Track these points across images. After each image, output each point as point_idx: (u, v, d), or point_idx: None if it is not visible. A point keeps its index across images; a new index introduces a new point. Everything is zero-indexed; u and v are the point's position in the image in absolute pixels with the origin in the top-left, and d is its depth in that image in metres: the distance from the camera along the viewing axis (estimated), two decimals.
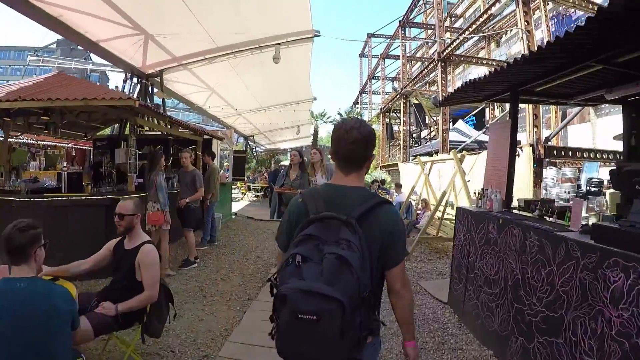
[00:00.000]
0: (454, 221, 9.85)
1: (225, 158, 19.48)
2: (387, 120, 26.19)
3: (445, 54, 13.58)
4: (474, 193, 5.84)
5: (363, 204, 1.65)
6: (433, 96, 14.85)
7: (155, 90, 11.27)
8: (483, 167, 10.52)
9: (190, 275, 6.66)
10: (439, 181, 12.94)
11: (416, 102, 20.21)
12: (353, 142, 1.71)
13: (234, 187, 19.33)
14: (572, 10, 15.31)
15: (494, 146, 6.08)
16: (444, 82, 13.77)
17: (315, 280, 1.40)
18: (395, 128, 30.03)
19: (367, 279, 1.50)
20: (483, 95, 6.51)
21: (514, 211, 5.19)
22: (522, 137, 15.04)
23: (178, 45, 9.81)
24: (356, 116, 35.53)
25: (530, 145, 8.41)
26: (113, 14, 7.79)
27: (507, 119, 5.78)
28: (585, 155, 8.76)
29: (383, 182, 15.85)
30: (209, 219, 8.98)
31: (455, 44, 13.20)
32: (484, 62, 15.10)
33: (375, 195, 1.79)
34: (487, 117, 21.18)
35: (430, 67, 15.73)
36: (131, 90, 10.67)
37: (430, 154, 15.53)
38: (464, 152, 8.58)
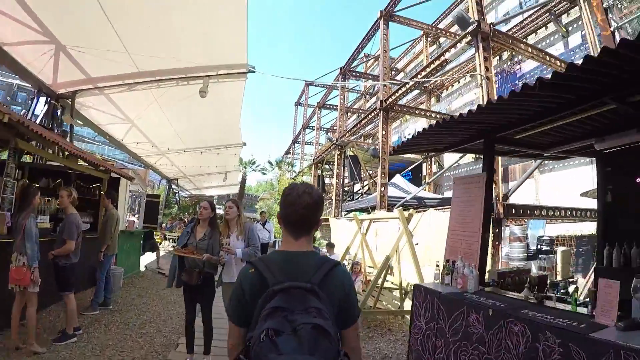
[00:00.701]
0: (395, 290, 8.97)
1: (137, 201, 17.50)
2: (319, 172, 25.35)
3: (388, 102, 13.01)
4: (437, 266, 4.72)
5: (320, 270, 1.65)
6: (372, 147, 14.18)
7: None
8: (428, 228, 9.88)
9: (64, 355, 4.87)
10: (375, 240, 11.93)
11: (352, 154, 19.49)
12: (305, 207, 1.74)
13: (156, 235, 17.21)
14: (518, 67, 15.54)
15: (460, 206, 5.08)
16: (385, 132, 13.10)
17: (298, 353, 1.34)
18: (327, 181, 29.42)
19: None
20: (447, 143, 5.59)
21: (487, 289, 4.16)
22: None
23: (94, 63, 8.30)
24: (287, 166, 34.91)
25: None
26: (17, 9, 6.18)
27: (483, 172, 4.86)
28: (551, 213, 8.14)
29: (313, 239, 14.64)
30: (102, 276, 7.19)
31: (399, 93, 12.66)
32: (427, 114, 14.73)
33: (327, 259, 1.81)
34: (425, 173, 20.96)
35: (370, 116, 15.15)
36: (34, 111, 9.00)
37: (366, 210, 14.61)
38: (411, 210, 7.58)
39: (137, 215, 14.96)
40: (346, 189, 23.35)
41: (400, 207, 7.62)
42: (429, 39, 22.60)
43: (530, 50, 10.23)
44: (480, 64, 8.63)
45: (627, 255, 4.06)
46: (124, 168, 14.12)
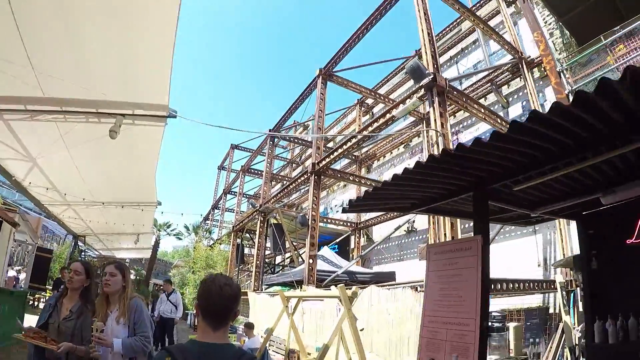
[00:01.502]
0: None
1: (24, 255, 14.52)
2: (238, 240, 23.15)
3: (321, 166, 11.77)
4: None
5: None
6: (301, 214, 12.71)
7: None
8: (368, 307, 8.32)
9: None
10: (302, 320, 10.11)
11: (276, 222, 17.74)
12: (227, 299, 1.79)
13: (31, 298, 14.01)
14: (455, 138, 15.14)
15: (440, 283, 3.65)
16: (315, 198, 11.73)
17: None
18: (247, 251, 27.23)
19: None
20: (417, 199, 4.20)
21: None
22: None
23: None
24: (204, 232, 32.23)
25: None
26: None
27: (474, 234, 3.50)
28: (522, 286, 7.09)
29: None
30: None
31: (333, 156, 11.51)
32: (362, 181, 13.64)
33: (244, 352, 1.87)
34: (353, 246, 19.65)
35: (299, 181, 13.81)
36: None
37: (290, 285, 12.78)
38: (354, 287, 6.02)
39: (22, 271, 13.14)
40: (267, 260, 21.29)
41: (342, 285, 6.02)
42: (362, 108, 22.42)
43: (482, 111, 9.61)
44: (436, 119, 7.71)
45: (625, 329, 3.73)
46: (7, 210, 11.48)
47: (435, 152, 7.37)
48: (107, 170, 10.53)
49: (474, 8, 15.36)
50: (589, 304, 4.37)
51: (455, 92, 8.64)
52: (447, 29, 17.04)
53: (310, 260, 11.00)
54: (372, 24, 12.61)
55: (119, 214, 13.39)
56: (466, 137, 15.87)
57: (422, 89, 8.16)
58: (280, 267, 22.02)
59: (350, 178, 13.47)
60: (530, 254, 11.66)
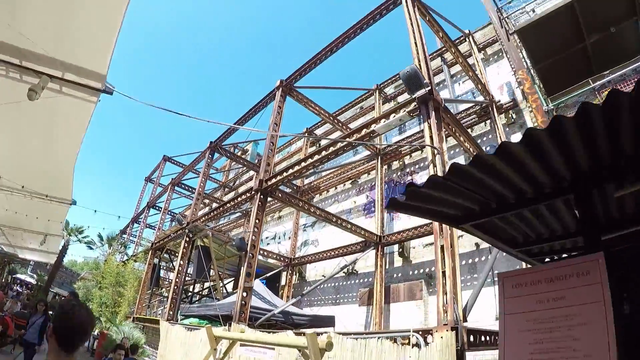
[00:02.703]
0: None
1: None
2: (155, 260, 20.52)
3: (269, 184, 10.19)
4: None
5: None
6: (239, 237, 10.86)
7: None
8: None
9: None
10: None
11: (203, 244, 15.60)
12: (87, 325, 1.93)
13: None
14: (409, 178, 14.18)
15: (535, 333, 2.26)
16: (258, 220, 10.08)
17: None
18: (163, 274, 24.53)
19: None
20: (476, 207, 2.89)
21: None
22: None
23: None
24: (120, 246, 28.90)
25: (452, 329, 5.15)
26: None
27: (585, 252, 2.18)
28: None
29: (135, 347, 9.97)
30: None
31: (288, 173, 9.97)
32: (311, 209, 12.13)
33: None
34: (283, 282, 17.89)
35: (240, 199, 12.10)
36: None
37: (214, 320, 10.80)
38: (328, 333, 4.48)
39: None
40: (185, 287, 18.85)
41: (313, 332, 4.44)
42: (309, 140, 21.31)
43: (466, 144, 8.62)
44: (433, 135, 6.49)
45: None
46: None
47: (434, 171, 6.17)
48: (18, 147, 8.44)
49: (443, 49, 14.93)
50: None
51: (448, 115, 7.57)
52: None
53: (244, 294, 9.18)
54: (338, 47, 11.58)
55: (26, 204, 10.99)
56: (422, 177, 15.03)
57: (414, 102, 6.97)
58: (198, 297, 19.67)
59: (300, 204, 11.87)
60: None
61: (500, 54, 14.06)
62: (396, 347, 5.33)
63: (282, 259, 18.17)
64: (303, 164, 9.67)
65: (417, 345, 5.30)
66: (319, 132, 21.24)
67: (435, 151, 6.33)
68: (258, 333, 6.27)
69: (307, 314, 11.92)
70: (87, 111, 6.91)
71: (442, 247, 6.04)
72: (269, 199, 10.95)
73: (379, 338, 5.53)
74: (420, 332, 5.48)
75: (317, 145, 20.94)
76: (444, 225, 6.01)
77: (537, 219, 3.42)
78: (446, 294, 5.63)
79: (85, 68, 5.75)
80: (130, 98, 7.63)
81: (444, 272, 5.83)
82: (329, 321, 11.96)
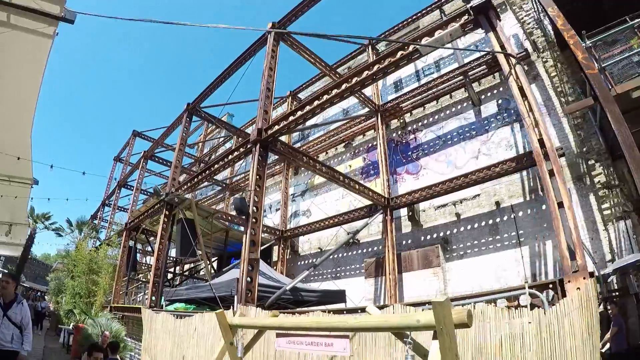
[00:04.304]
0: None
1: None
2: (131, 242, 18.49)
3: (269, 134, 8.58)
4: None
5: None
6: (239, 198, 8.90)
7: None
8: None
9: None
10: None
11: (186, 216, 13.62)
12: None
13: None
14: (412, 137, 12.72)
15: None
16: (259, 176, 8.46)
17: None
18: (139, 257, 22.61)
19: None
20: None
21: None
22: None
23: None
24: (92, 231, 26.58)
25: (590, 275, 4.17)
26: None
27: None
28: None
29: (115, 345, 8.01)
30: None
31: (287, 121, 8.31)
32: (317, 166, 10.49)
33: None
34: (276, 258, 16.36)
35: (235, 154, 10.34)
36: None
37: (210, 303, 9.20)
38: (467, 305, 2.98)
39: None
40: (170, 270, 17.02)
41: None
42: (295, 102, 19.61)
43: None
44: (505, 44, 4.99)
45: None
46: None
47: (518, 84, 4.68)
48: None
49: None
50: None
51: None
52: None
53: (250, 267, 7.59)
54: None
55: None
56: (426, 136, 13.68)
57: (468, 14, 5.45)
58: (181, 280, 17.91)
59: (305, 159, 10.07)
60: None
61: (504, 6, 12.74)
62: (505, 312, 3.92)
63: (273, 231, 16.60)
64: (316, 102, 7.90)
65: (535, 306, 3.91)
66: (306, 93, 19.57)
67: (514, 60, 4.90)
68: (303, 317, 4.68)
69: (317, 290, 10.45)
70: (44, 46, 5.18)
71: (550, 171, 4.73)
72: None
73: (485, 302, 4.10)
74: (536, 287, 4.12)
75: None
76: (547, 147, 4.74)
77: None
78: (571, 231, 4.29)
79: None
80: (99, 16, 5.83)
81: (560, 204, 4.49)
82: (340, 296, 10.53)
